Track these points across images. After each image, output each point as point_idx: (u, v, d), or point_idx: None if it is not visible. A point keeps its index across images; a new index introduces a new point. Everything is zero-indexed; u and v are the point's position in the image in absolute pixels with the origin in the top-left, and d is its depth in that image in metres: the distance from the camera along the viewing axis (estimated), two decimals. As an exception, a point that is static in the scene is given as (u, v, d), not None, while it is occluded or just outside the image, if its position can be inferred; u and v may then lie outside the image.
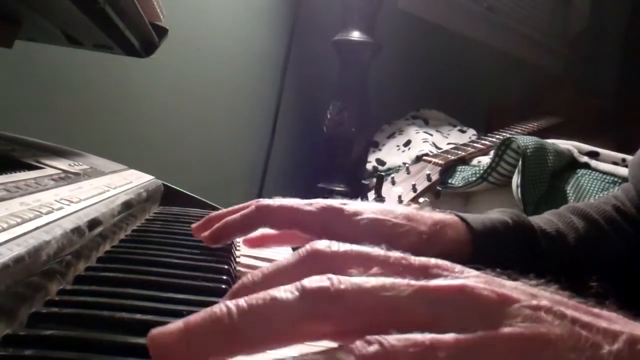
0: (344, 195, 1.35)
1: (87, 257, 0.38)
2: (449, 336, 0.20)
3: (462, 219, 0.49)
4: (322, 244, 0.24)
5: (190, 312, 0.29)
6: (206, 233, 0.46)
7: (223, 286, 0.36)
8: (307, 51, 1.57)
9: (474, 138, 1.48)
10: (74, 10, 0.47)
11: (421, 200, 0.98)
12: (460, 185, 1.18)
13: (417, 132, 1.51)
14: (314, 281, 0.21)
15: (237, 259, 0.48)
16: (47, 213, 0.34)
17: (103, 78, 1.08)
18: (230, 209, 0.48)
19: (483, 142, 1.36)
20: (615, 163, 1.17)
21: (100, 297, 0.31)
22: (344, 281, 0.21)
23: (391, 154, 1.47)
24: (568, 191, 1.12)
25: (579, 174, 1.15)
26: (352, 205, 0.46)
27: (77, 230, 0.35)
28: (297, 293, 0.21)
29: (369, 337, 0.20)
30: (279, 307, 0.21)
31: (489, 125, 1.69)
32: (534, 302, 0.21)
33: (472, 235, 0.48)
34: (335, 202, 0.46)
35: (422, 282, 0.22)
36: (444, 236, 0.47)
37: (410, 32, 1.83)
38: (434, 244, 0.47)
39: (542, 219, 0.56)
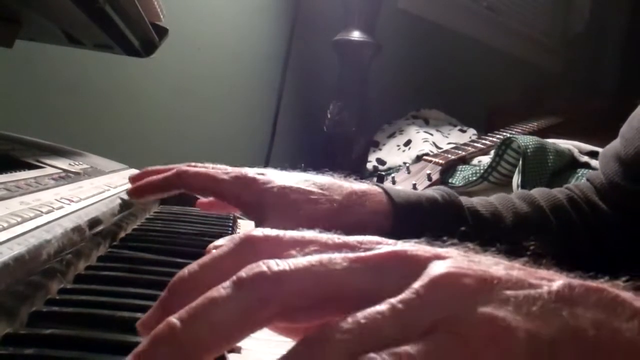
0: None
1: (87, 256, 0.38)
2: (385, 305, 0.19)
3: (386, 192, 0.49)
4: (257, 231, 0.24)
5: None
6: (130, 188, 0.48)
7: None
8: (307, 51, 1.57)
9: (474, 138, 1.48)
10: (74, 9, 0.47)
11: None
12: (460, 184, 1.18)
13: (418, 132, 1.51)
14: (249, 270, 0.21)
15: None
16: (48, 212, 0.34)
17: (103, 78, 1.08)
18: (167, 167, 0.51)
19: (483, 141, 1.36)
20: (615, 163, 1.17)
21: (101, 296, 0.31)
22: (280, 263, 0.21)
23: (391, 153, 1.47)
24: (568, 191, 1.12)
25: (579, 174, 1.14)
26: (267, 174, 0.48)
27: (77, 230, 0.35)
28: (234, 287, 0.21)
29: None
30: (219, 306, 0.20)
31: (489, 125, 1.69)
32: (471, 257, 0.22)
33: (393, 208, 0.48)
34: (251, 171, 0.48)
35: (358, 254, 0.22)
36: (361, 206, 0.47)
37: (410, 32, 1.83)
38: (349, 213, 0.47)
39: (481, 201, 0.55)
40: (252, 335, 0.22)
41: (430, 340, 0.19)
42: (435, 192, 0.52)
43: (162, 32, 0.67)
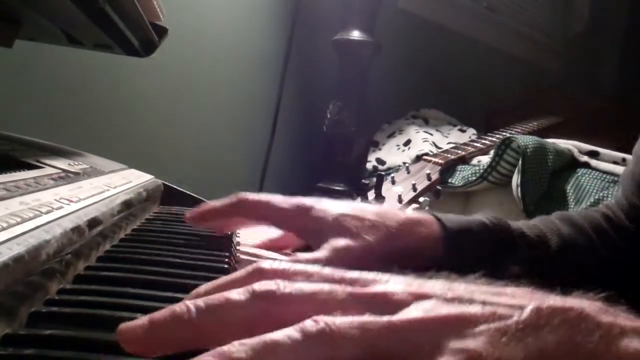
0: (344, 194, 1.35)
1: (87, 257, 0.38)
2: (383, 317, 0.23)
3: (437, 218, 0.52)
4: (266, 263, 0.27)
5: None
6: (189, 213, 0.50)
7: (223, 285, 0.36)
8: (307, 51, 1.57)
9: (474, 137, 1.48)
10: (74, 9, 0.47)
11: (421, 199, 0.98)
12: (460, 184, 1.18)
13: (417, 132, 1.51)
14: (263, 284, 0.25)
15: (237, 258, 0.48)
16: (47, 212, 0.34)
17: (103, 78, 1.08)
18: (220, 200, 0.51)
19: (483, 141, 1.36)
20: (615, 162, 1.17)
21: (100, 297, 0.31)
22: (289, 285, 0.25)
23: (391, 153, 1.47)
24: (568, 191, 1.12)
25: (579, 174, 1.15)
26: (323, 203, 0.50)
27: (77, 230, 0.35)
28: (248, 294, 0.24)
29: (316, 317, 0.22)
30: (231, 306, 0.24)
31: (489, 125, 1.69)
32: (449, 294, 0.25)
33: (444, 233, 0.50)
34: (307, 200, 0.50)
35: (355, 288, 0.25)
36: (415, 233, 0.50)
37: (410, 32, 1.83)
38: (403, 239, 0.49)
39: (526, 224, 0.57)
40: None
41: None
42: (483, 216, 0.54)
43: (162, 31, 0.67)
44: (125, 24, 0.55)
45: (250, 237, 0.57)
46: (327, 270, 0.27)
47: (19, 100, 0.96)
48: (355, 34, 1.42)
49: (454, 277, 0.28)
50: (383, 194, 0.98)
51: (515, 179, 1.11)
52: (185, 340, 0.23)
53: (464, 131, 1.59)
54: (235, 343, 0.22)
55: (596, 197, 1.07)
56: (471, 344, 0.22)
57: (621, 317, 0.26)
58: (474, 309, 0.24)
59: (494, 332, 0.23)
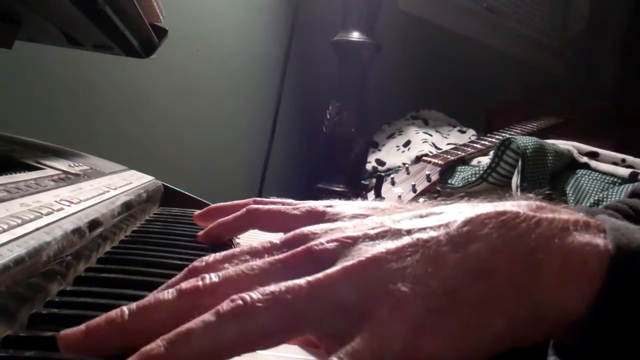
0: (343, 195, 1.35)
1: (87, 258, 0.38)
2: (300, 280, 0.24)
3: None
4: (199, 261, 0.29)
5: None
6: (201, 233, 0.49)
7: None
8: (307, 51, 1.57)
9: (473, 138, 1.48)
10: (73, 10, 0.47)
11: (421, 200, 0.98)
12: (460, 185, 1.18)
13: (417, 133, 1.51)
14: (189, 282, 0.26)
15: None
16: (48, 214, 0.34)
17: (103, 78, 1.08)
18: (231, 203, 0.50)
19: (483, 142, 1.36)
20: (615, 163, 1.17)
21: (101, 298, 0.31)
22: (213, 277, 0.26)
23: (391, 154, 1.47)
24: (568, 191, 1.12)
25: (579, 175, 1.15)
26: (335, 206, 0.49)
27: (77, 231, 0.35)
28: (175, 292, 0.25)
29: (233, 296, 0.23)
30: (160, 304, 0.25)
31: (489, 126, 1.69)
32: (375, 230, 0.26)
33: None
34: (319, 205, 0.49)
35: (276, 256, 0.26)
36: None
37: (410, 32, 1.83)
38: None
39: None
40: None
41: (343, 325, 0.23)
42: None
43: (162, 32, 0.67)
44: (125, 25, 0.55)
45: (251, 237, 0.57)
46: (258, 243, 0.28)
47: (19, 101, 0.96)
48: (355, 35, 1.42)
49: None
50: (383, 194, 0.98)
51: (515, 180, 1.11)
52: (119, 342, 0.24)
53: (463, 132, 1.59)
54: (157, 340, 0.22)
55: (596, 197, 1.07)
56: (395, 285, 0.23)
57: (562, 212, 0.26)
58: (395, 244, 0.24)
59: (417, 264, 0.23)
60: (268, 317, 0.23)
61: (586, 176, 1.14)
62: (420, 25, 1.89)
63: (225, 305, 0.23)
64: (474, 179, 1.17)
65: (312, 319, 0.23)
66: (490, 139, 1.38)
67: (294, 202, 0.49)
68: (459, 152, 1.27)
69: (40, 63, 0.96)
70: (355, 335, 0.22)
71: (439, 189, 1.09)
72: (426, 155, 1.29)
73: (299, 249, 0.26)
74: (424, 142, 1.43)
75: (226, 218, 0.48)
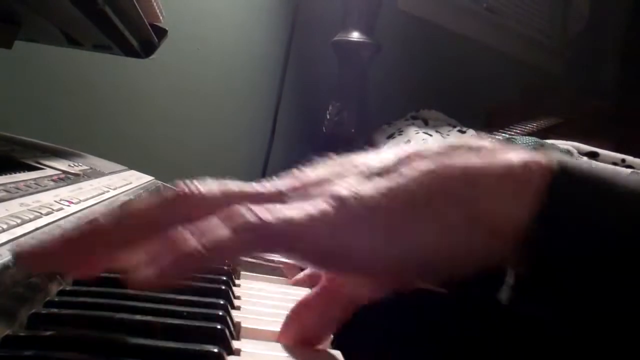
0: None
1: (87, 258, 0.38)
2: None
3: None
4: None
5: (190, 313, 0.29)
6: None
7: (223, 287, 0.36)
8: (306, 51, 1.57)
9: (473, 138, 1.48)
10: (73, 10, 0.47)
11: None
12: (460, 185, 1.18)
13: (417, 133, 1.51)
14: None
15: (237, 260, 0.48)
16: (47, 214, 0.34)
17: (103, 78, 1.08)
18: None
19: (483, 142, 1.36)
20: (614, 163, 1.17)
21: (100, 298, 0.31)
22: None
23: (391, 154, 1.46)
24: (568, 191, 1.11)
25: (579, 174, 1.14)
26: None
27: (76, 231, 0.35)
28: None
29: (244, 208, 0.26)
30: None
31: (489, 126, 1.69)
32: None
33: None
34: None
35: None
36: None
37: (410, 32, 1.83)
38: None
39: None
40: (253, 339, 0.27)
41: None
42: None
43: (162, 33, 0.67)
44: (124, 25, 0.55)
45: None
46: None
47: (19, 101, 0.96)
48: (355, 35, 1.42)
49: None
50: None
51: (515, 180, 1.11)
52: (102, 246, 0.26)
53: (463, 132, 1.59)
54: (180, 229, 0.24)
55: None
56: (337, 188, 0.27)
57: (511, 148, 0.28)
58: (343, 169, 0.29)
59: (357, 178, 0.27)
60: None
61: None
62: (420, 25, 1.89)
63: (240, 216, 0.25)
64: (474, 179, 1.17)
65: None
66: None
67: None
68: (459, 152, 1.27)
69: (40, 63, 0.96)
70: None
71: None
72: (426, 155, 1.29)
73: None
74: (424, 142, 1.43)
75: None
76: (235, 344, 0.28)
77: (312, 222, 0.26)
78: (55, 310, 0.29)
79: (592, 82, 2.66)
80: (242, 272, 0.45)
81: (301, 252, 0.27)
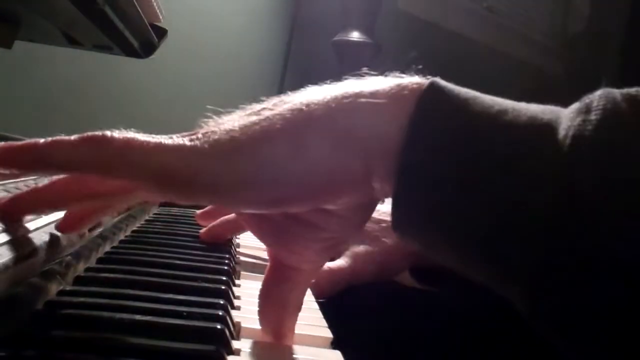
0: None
1: (86, 258, 0.38)
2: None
3: None
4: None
5: (190, 313, 0.29)
6: (203, 231, 0.49)
7: (223, 287, 0.36)
8: (306, 52, 1.57)
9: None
10: (73, 10, 0.47)
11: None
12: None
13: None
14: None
15: (237, 259, 0.49)
16: (47, 214, 0.34)
17: (103, 78, 1.08)
18: None
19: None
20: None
21: (100, 298, 0.31)
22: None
23: (391, 154, 1.46)
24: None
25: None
26: None
27: (76, 231, 0.35)
28: None
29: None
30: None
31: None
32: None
33: None
34: None
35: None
36: None
37: (410, 32, 1.83)
38: None
39: None
40: (253, 339, 0.27)
41: None
42: None
43: (161, 32, 0.67)
44: (124, 25, 0.55)
45: (251, 238, 0.57)
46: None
47: (19, 100, 0.96)
48: (355, 35, 1.42)
49: None
50: (383, 194, 0.98)
51: (515, 180, 1.11)
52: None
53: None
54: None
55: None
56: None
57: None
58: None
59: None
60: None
61: None
62: (420, 25, 1.89)
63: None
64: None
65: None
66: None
67: None
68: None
69: (41, 62, 0.96)
70: None
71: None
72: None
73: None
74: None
75: (228, 216, 0.49)
76: (235, 344, 0.28)
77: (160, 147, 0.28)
78: (56, 310, 0.29)
79: (592, 82, 2.66)
80: (242, 272, 0.45)
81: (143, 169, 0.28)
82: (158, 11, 0.64)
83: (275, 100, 0.30)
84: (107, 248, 0.43)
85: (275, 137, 0.27)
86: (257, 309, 0.32)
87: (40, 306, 0.29)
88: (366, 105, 0.26)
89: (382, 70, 0.30)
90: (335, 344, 0.32)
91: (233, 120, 0.30)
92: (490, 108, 0.26)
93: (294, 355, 0.30)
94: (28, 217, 0.32)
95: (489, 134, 0.25)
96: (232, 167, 0.27)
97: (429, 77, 0.27)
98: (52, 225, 0.33)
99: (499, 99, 0.27)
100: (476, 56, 2.07)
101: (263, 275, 0.33)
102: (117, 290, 0.32)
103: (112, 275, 0.36)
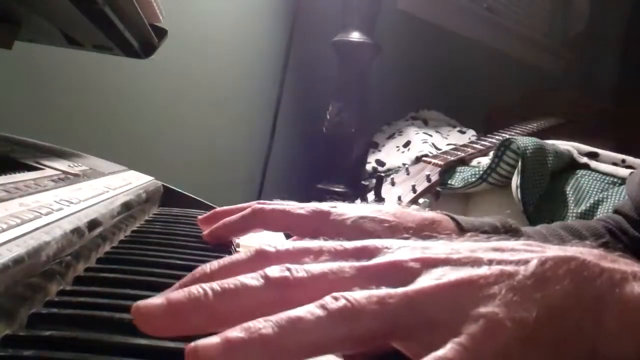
0: (343, 195, 1.35)
1: (86, 258, 0.38)
2: (398, 289, 0.24)
3: (452, 218, 0.52)
4: (267, 246, 0.28)
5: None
6: (206, 232, 0.49)
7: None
8: (306, 51, 1.57)
9: (473, 139, 1.48)
10: (73, 11, 0.47)
11: (421, 201, 0.98)
12: (459, 186, 1.18)
13: (417, 133, 1.51)
14: (275, 270, 0.25)
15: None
16: (47, 214, 0.34)
17: (103, 78, 1.08)
18: (235, 206, 0.50)
19: (483, 143, 1.36)
20: (614, 164, 1.17)
21: (100, 298, 0.31)
22: (300, 269, 0.25)
23: (391, 154, 1.47)
24: (567, 192, 1.12)
25: (579, 175, 1.15)
26: (340, 207, 0.49)
27: (76, 231, 0.35)
28: (262, 280, 0.24)
29: (335, 294, 0.23)
30: (249, 291, 0.24)
31: (489, 126, 1.69)
32: (455, 257, 0.26)
33: (460, 232, 0.50)
34: (325, 206, 0.49)
35: (362, 263, 0.26)
36: (433, 231, 0.49)
37: (410, 32, 1.83)
38: (421, 238, 0.49)
39: (532, 229, 0.58)
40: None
41: (432, 337, 0.23)
42: (494, 219, 0.55)
43: (162, 33, 0.67)
44: (124, 26, 0.55)
45: (251, 238, 0.57)
46: (329, 244, 0.28)
47: (19, 101, 0.96)
48: (355, 35, 1.42)
49: (453, 236, 0.29)
50: (383, 195, 0.98)
51: (515, 181, 1.11)
52: (201, 323, 0.23)
53: (463, 132, 1.59)
54: (260, 319, 0.22)
55: (596, 198, 1.07)
56: (488, 308, 0.23)
57: (621, 263, 0.27)
58: (482, 271, 0.25)
59: (505, 293, 0.24)
60: (373, 321, 0.23)
61: (586, 177, 1.14)
62: (420, 25, 1.89)
63: (330, 302, 0.23)
64: (473, 179, 1.17)
65: (408, 328, 0.23)
66: (490, 140, 1.38)
67: (295, 203, 0.49)
68: (459, 153, 1.27)
69: (40, 63, 0.96)
70: (443, 346, 0.22)
71: (438, 190, 1.09)
72: (426, 155, 1.29)
73: (383, 261, 0.26)
74: (423, 142, 1.43)
75: (232, 217, 0.49)
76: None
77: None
78: (55, 310, 0.29)
79: (592, 82, 2.66)
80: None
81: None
82: (158, 11, 0.64)
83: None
84: (107, 248, 0.43)
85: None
86: None
87: (40, 306, 0.29)
88: (615, 323, 0.25)
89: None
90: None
91: (503, 290, 0.24)
92: None
93: None
94: (26, 217, 0.32)
95: None
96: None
97: None
98: (52, 225, 0.33)
99: None
100: (476, 56, 2.07)
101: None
102: (117, 290, 0.32)
103: (111, 275, 0.36)
